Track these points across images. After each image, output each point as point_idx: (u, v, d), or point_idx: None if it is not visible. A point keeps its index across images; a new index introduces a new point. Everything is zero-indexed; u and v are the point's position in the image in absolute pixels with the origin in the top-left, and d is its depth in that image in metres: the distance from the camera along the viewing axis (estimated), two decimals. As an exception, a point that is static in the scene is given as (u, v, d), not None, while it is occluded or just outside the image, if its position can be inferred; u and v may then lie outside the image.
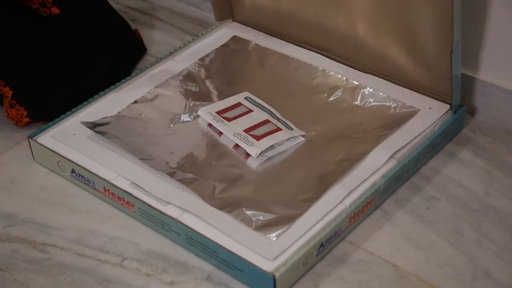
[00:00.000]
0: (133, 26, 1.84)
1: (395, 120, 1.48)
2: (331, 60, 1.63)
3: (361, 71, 1.60)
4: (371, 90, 1.54)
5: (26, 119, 1.54)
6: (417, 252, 1.30)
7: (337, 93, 1.56)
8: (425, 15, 1.41)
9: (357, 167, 1.37)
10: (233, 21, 1.79)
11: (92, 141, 1.45)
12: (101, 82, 1.59)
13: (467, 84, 1.58)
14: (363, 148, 1.41)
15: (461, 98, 1.50)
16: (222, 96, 1.57)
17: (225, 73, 1.64)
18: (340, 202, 1.30)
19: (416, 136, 1.43)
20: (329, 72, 1.60)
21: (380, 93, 1.53)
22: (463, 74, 1.57)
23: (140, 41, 1.81)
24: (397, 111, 1.50)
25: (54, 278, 1.27)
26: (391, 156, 1.39)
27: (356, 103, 1.54)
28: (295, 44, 1.69)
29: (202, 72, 1.64)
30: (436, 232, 1.34)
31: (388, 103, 1.52)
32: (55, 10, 1.58)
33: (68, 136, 1.46)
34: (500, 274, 1.26)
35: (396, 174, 1.37)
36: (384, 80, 1.57)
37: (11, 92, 1.52)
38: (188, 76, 1.62)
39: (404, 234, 1.34)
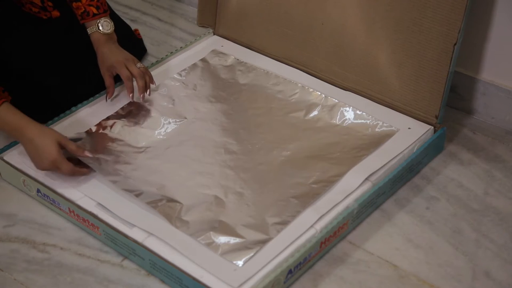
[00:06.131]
0: (133, 26, 1.85)
1: (373, 140, 1.44)
2: (312, 77, 1.61)
3: (342, 88, 1.57)
4: (349, 109, 1.51)
5: None
6: (417, 252, 1.30)
7: (315, 111, 1.53)
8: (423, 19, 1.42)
9: (331, 190, 1.33)
10: (214, 34, 1.77)
11: None
12: (102, 85, 1.58)
13: (467, 84, 1.58)
14: (338, 169, 1.37)
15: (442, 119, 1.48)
16: (197, 113, 1.53)
17: (202, 89, 1.60)
18: (311, 226, 1.27)
19: (393, 158, 1.39)
20: (308, 88, 1.57)
21: (358, 111, 1.50)
22: (463, 74, 1.57)
23: (140, 41, 1.81)
24: (376, 130, 1.47)
25: (54, 278, 1.27)
26: (366, 179, 1.35)
27: (334, 121, 1.50)
28: (276, 60, 1.66)
29: (179, 88, 1.60)
30: (436, 232, 1.34)
31: (366, 122, 1.48)
32: (55, 14, 1.58)
33: None
34: (500, 274, 1.26)
35: (371, 197, 1.33)
36: (364, 98, 1.54)
37: (10, 98, 1.52)
38: (164, 92, 1.58)
39: (404, 234, 1.34)
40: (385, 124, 1.47)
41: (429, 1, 1.39)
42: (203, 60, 1.68)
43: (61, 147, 1.33)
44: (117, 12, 1.77)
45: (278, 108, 1.55)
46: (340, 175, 1.36)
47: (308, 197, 1.32)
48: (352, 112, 1.51)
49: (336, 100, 1.53)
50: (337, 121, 1.50)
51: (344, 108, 1.51)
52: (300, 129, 1.49)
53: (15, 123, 1.34)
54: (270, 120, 1.52)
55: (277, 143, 1.46)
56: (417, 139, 1.44)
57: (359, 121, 1.49)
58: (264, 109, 1.55)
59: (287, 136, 1.47)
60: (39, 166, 1.34)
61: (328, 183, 1.35)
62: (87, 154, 1.36)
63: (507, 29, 1.48)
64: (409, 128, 1.46)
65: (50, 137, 1.32)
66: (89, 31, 1.53)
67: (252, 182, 1.37)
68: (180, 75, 1.63)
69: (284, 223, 1.27)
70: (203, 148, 1.45)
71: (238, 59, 1.67)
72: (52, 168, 1.33)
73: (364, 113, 1.50)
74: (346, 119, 1.50)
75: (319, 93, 1.55)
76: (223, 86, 1.61)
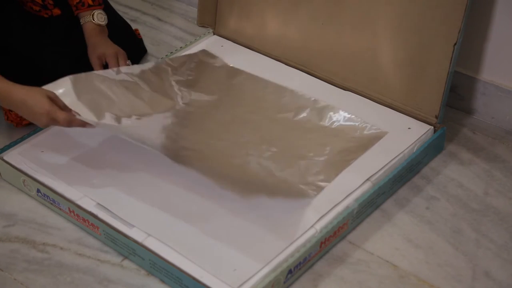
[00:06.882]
0: (133, 26, 1.85)
1: (362, 143, 1.43)
2: (311, 77, 1.60)
3: (342, 88, 1.56)
4: (339, 111, 1.49)
5: (26, 121, 1.54)
6: (417, 252, 1.30)
7: (304, 113, 1.51)
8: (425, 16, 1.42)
9: (330, 190, 1.32)
10: (214, 34, 1.76)
11: (60, 158, 1.41)
12: None
13: (467, 84, 1.58)
14: (326, 172, 1.36)
15: (443, 118, 1.47)
16: (188, 107, 1.53)
17: (191, 74, 1.60)
18: (311, 226, 1.26)
19: (393, 158, 1.39)
20: (297, 92, 1.55)
21: (348, 114, 1.49)
22: (463, 74, 1.57)
23: (140, 41, 1.81)
24: (364, 132, 1.45)
25: (54, 278, 1.27)
26: (367, 179, 1.34)
27: (323, 123, 1.49)
28: (276, 60, 1.66)
29: (169, 70, 1.58)
30: (436, 232, 1.34)
31: (355, 125, 1.47)
32: (56, 12, 1.58)
33: (36, 153, 1.42)
34: (500, 274, 1.26)
35: (371, 197, 1.33)
36: (364, 98, 1.53)
37: None
38: (155, 69, 1.56)
39: (404, 234, 1.34)
40: (373, 127, 1.46)
41: (429, 1, 1.39)
42: (194, 55, 1.66)
43: (52, 101, 1.32)
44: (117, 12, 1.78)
45: (267, 107, 1.54)
46: (328, 180, 1.34)
47: (293, 198, 1.31)
48: (342, 114, 1.49)
49: (325, 103, 1.52)
50: (326, 123, 1.49)
51: (334, 111, 1.50)
52: (288, 129, 1.48)
53: (2, 90, 1.33)
54: (259, 118, 1.52)
55: (265, 140, 1.45)
56: (417, 139, 1.44)
57: (348, 123, 1.48)
58: (254, 107, 1.54)
59: (275, 135, 1.47)
60: (39, 122, 1.33)
61: (315, 186, 1.33)
62: (74, 113, 1.34)
63: (507, 29, 1.49)
64: (409, 128, 1.46)
65: (39, 92, 1.32)
66: (82, 21, 1.57)
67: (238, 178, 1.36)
68: (172, 60, 1.61)
69: (270, 222, 1.26)
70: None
71: (227, 64, 1.65)
72: (49, 120, 1.31)
73: (353, 116, 1.48)
74: (335, 121, 1.49)
75: (309, 97, 1.54)
76: (214, 83, 1.61)
